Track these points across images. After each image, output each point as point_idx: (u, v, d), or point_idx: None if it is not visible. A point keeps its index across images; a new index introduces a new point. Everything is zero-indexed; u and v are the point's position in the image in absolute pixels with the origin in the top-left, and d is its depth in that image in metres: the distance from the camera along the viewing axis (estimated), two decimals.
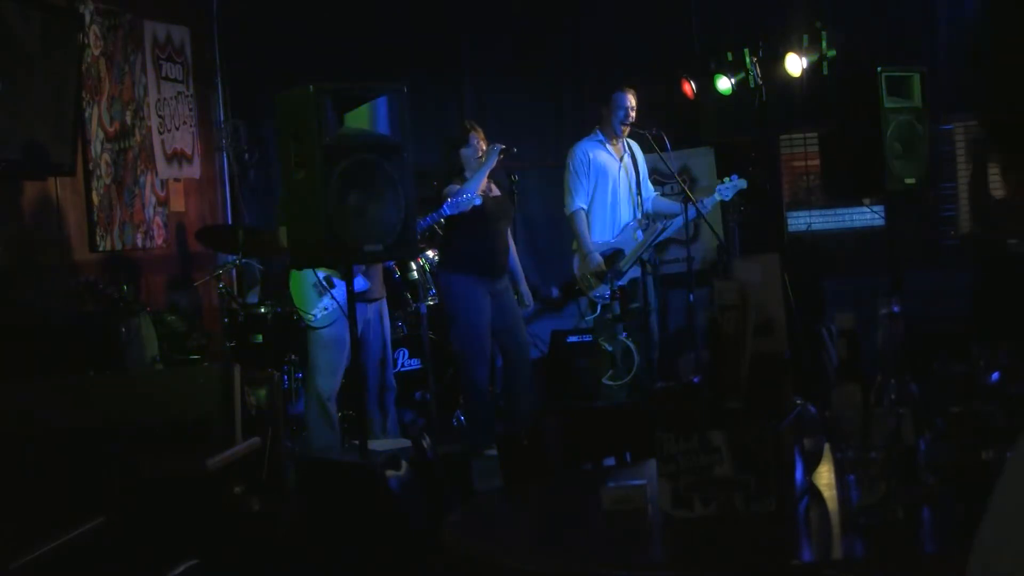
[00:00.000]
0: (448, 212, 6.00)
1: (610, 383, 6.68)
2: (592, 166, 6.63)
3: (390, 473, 3.01)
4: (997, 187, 7.21)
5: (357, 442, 4.83)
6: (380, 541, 3.23)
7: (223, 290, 6.59)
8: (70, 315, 5.43)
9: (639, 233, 6.62)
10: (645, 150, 6.81)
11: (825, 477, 2.28)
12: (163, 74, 7.16)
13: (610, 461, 2.92)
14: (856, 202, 7.40)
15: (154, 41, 7.07)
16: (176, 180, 7.30)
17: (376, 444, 5.39)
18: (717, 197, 6.62)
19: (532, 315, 7.06)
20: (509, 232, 6.41)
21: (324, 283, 5.68)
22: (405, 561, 3.05)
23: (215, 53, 7.87)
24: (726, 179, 6.66)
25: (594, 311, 6.72)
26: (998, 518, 0.91)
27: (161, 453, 3.70)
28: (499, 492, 2.83)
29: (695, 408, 2.18)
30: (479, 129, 6.33)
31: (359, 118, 4.61)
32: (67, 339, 5.15)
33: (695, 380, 2.26)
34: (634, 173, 6.69)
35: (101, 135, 6.41)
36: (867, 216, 7.45)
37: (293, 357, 6.25)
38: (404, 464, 3.07)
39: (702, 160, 7.66)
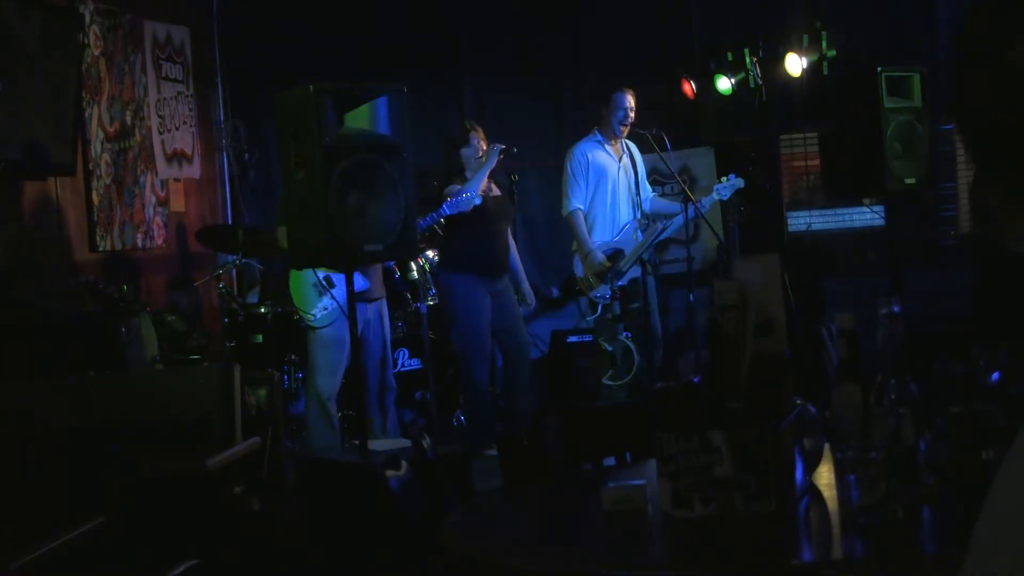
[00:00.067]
0: (447, 212, 6.00)
1: (610, 383, 6.68)
2: (591, 167, 6.63)
3: (390, 473, 3.01)
4: None
5: (357, 442, 4.83)
6: (380, 541, 3.23)
7: (223, 290, 6.59)
8: (70, 315, 5.43)
9: (639, 233, 6.62)
10: (645, 150, 6.81)
11: (825, 477, 2.28)
12: (163, 74, 7.16)
13: (610, 461, 2.92)
14: (856, 202, 7.40)
15: (154, 41, 7.07)
16: (176, 180, 7.30)
17: (376, 444, 5.39)
18: (715, 196, 6.63)
19: (532, 315, 7.06)
20: (510, 232, 6.41)
21: (323, 283, 5.68)
22: (405, 561, 3.05)
23: (215, 53, 7.87)
24: (723, 178, 6.67)
25: (594, 311, 6.72)
26: (995, 517, 0.91)
27: (161, 453, 3.70)
28: (499, 492, 2.83)
29: (695, 408, 2.18)
30: (479, 129, 6.34)
31: (359, 118, 4.61)
32: (67, 339, 5.15)
33: (695, 380, 2.26)
34: (633, 174, 6.69)
35: (101, 135, 6.41)
36: (867, 216, 7.45)
37: (293, 357, 6.25)
38: (404, 464, 3.07)
39: (702, 160, 7.66)
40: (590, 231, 6.64)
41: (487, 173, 6.12)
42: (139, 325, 5.39)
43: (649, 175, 6.92)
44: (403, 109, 4.66)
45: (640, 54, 7.52)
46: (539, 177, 7.58)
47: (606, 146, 6.70)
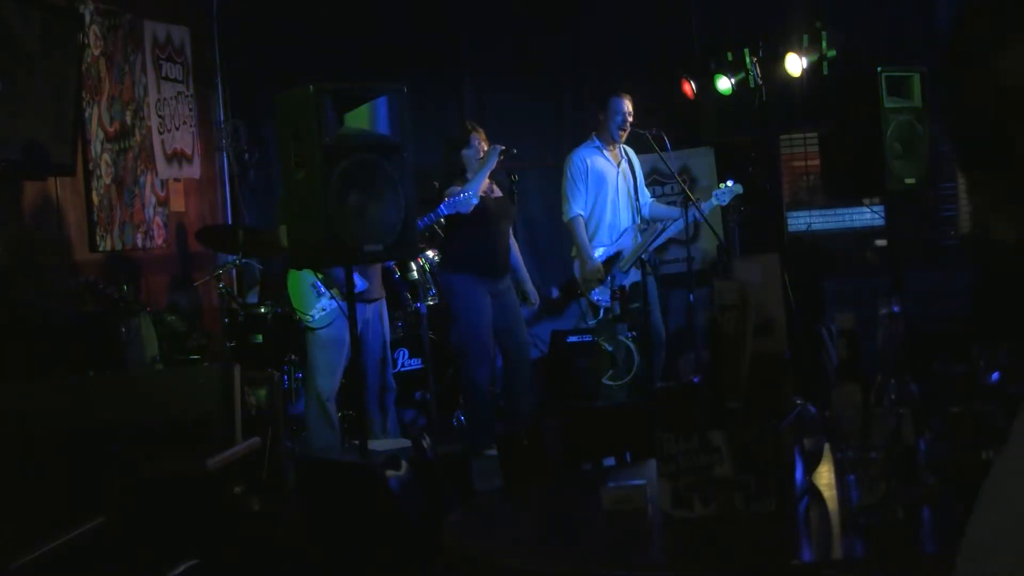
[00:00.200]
0: (445, 212, 6.00)
1: (610, 383, 6.69)
2: (591, 173, 6.64)
3: (390, 473, 3.01)
4: None
5: (357, 442, 4.83)
6: (380, 541, 3.23)
7: (223, 290, 6.59)
8: (70, 315, 5.43)
9: (638, 237, 6.64)
10: (645, 150, 6.81)
11: (825, 477, 2.28)
12: (163, 74, 7.16)
13: (610, 461, 2.92)
14: (856, 202, 7.40)
15: (154, 41, 7.07)
16: (176, 180, 7.30)
17: (376, 444, 5.39)
18: (714, 202, 6.65)
19: (532, 315, 7.06)
20: (511, 232, 6.41)
21: (315, 287, 5.70)
22: (405, 561, 3.05)
23: (215, 53, 7.87)
24: (722, 184, 6.67)
25: (595, 315, 6.72)
26: (992, 517, 0.91)
27: (161, 453, 3.70)
28: (499, 492, 2.83)
29: (695, 408, 2.18)
30: (480, 130, 6.34)
31: (359, 118, 4.61)
32: (67, 339, 5.15)
33: (695, 380, 2.26)
34: (632, 179, 6.70)
35: (101, 135, 6.41)
36: (867, 216, 7.45)
37: (293, 357, 6.26)
38: (404, 464, 3.06)
39: (702, 160, 7.66)
40: (591, 237, 6.66)
41: (487, 174, 6.12)
42: (139, 325, 5.39)
43: (649, 175, 6.92)
44: (403, 109, 4.66)
45: (640, 54, 7.52)
46: (539, 177, 7.58)
47: (605, 151, 6.70)
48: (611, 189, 6.67)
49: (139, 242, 6.76)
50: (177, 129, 7.29)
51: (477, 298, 6.12)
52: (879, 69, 5.96)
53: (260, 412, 4.23)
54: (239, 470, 3.87)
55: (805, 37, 6.92)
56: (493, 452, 3.90)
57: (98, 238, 6.33)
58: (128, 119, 6.71)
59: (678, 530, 2.11)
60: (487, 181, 6.15)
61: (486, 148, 6.19)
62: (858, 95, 6.09)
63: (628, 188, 6.69)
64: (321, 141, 4.42)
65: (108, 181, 6.46)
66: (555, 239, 7.42)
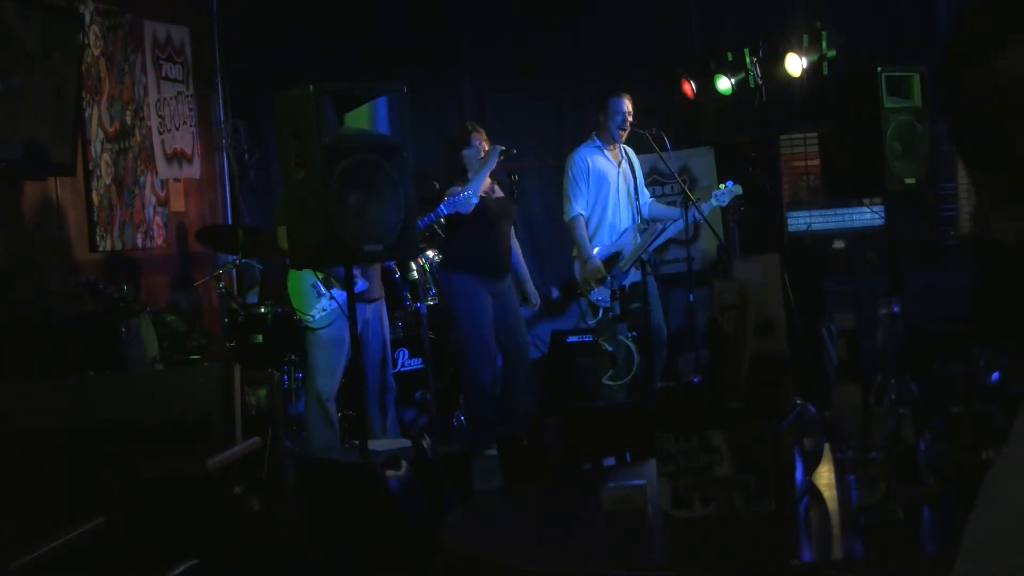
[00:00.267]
0: (445, 212, 6.00)
1: (610, 383, 6.69)
2: (592, 172, 6.64)
3: (390, 473, 3.01)
4: None
5: (357, 442, 4.83)
6: (380, 541, 3.23)
7: (223, 290, 6.59)
8: (70, 315, 5.43)
9: (638, 237, 6.64)
10: (645, 150, 6.81)
11: (825, 477, 2.28)
12: (163, 74, 7.16)
13: (610, 461, 2.92)
14: (856, 202, 7.40)
15: (154, 41, 7.07)
16: (176, 180, 7.30)
17: (376, 444, 5.38)
18: (714, 203, 6.65)
19: (532, 316, 7.06)
20: (512, 232, 6.41)
21: (315, 288, 5.70)
22: (405, 561, 3.05)
23: (215, 53, 7.87)
24: (722, 185, 6.67)
25: (595, 315, 6.72)
26: (992, 517, 0.91)
27: (161, 453, 3.70)
28: (499, 492, 2.83)
29: (695, 408, 2.18)
30: (481, 130, 6.34)
31: (359, 118, 4.61)
32: (67, 339, 5.15)
33: (695, 380, 2.26)
34: (632, 179, 6.70)
35: (101, 135, 6.41)
36: (867, 216, 7.44)
37: (293, 357, 6.26)
38: (404, 464, 3.07)
39: (702, 160, 7.66)
40: (591, 237, 6.66)
41: (488, 174, 6.12)
42: (139, 325, 5.39)
43: (649, 175, 6.92)
44: (403, 109, 4.66)
45: (640, 54, 7.52)
46: (539, 177, 7.58)
47: (605, 151, 6.70)
48: (612, 189, 6.67)
49: (139, 242, 6.76)
50: (177, 129, 7.29)
51: (478, 298, 6.12)
52: (879, 69, 5.96)
53: (260, 412, 4.23)
54: (239, 470, 3.87)
55: (805, 37, 6.92)
56: (493, 452, 3.90)
57: (98, 238, 6.33)
58: (128, 119, 6.71)
59: (678, 530, 2.11)
60: (488, 181, 6.15)
61: (487, 148, 6.19)
62: (858, 95, 6.09)
63: (628, 188, 6.69)
64: (321, 141, 4.42)
65: (108, 181, 6.46)
66: (555, 239, 7.42)
